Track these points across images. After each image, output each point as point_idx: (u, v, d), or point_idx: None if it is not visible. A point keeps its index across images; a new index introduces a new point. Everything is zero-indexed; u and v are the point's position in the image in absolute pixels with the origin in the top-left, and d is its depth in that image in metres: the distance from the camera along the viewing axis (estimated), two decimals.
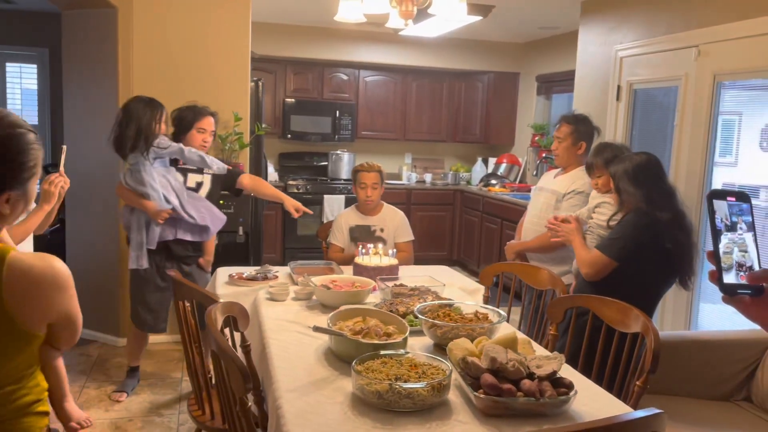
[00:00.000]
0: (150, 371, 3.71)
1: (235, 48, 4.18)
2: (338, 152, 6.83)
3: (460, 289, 2.92)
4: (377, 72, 6.96)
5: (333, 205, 6.44)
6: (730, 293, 0.88)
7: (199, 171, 3.33)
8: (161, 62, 4.04)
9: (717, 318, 3.72)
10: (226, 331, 2.05)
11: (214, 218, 3.32)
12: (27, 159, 1.35)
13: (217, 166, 3.30)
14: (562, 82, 6.22)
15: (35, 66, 6.59)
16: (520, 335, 1.91)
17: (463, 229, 6.92)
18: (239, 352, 2.10)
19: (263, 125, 4.50)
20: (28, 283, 1.30)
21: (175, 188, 3.19)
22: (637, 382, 1.88)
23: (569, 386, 1.62)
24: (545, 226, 2.96)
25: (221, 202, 4.02)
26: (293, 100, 6.68)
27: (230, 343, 2.01)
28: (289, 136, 6.71)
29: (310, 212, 3.42)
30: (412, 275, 2.89)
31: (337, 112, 6.78)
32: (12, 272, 1.28)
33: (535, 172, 6.46)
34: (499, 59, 6.98)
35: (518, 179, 6.84)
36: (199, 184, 3.33)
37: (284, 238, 6.51)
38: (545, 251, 3.17)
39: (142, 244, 3.16)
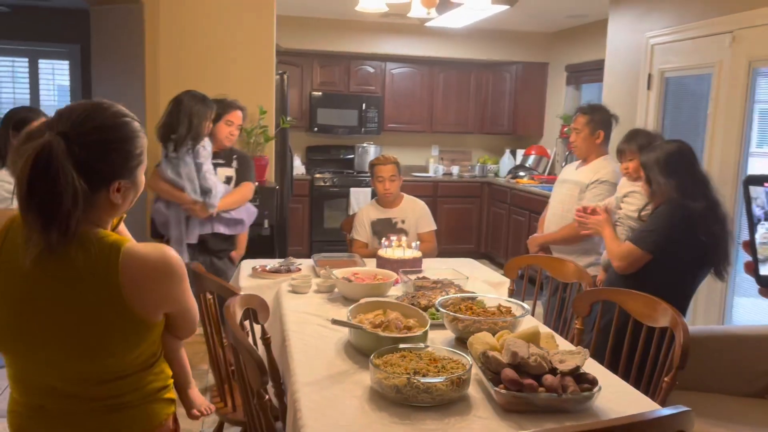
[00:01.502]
0: None
1: (260, 41, 4.19)
2: (364, 145, 6.81)
3: (484, 282, 2.87)
4: (403, 64, 6.91)
5: (359, 197, 6.43)
6: (767, 285, 0.83)
7: (228, 164, 3.35)
8: (187, 56, 4.07)
9: (753, 313, 3.61)
10: (246, 323, 2.05)
11: (248, 211, 3.35)
12: (134, 147, 1.36)
13: (217, 200, 3.20)
14: (592, 71, 6.08)
15: (67, 62, 6.71)
16: (543, 329, 1.87)
17: (490, 222, 6.85)
18: (259, 345, 2.10)
19: (288, 118, 4.50)
20: (143, 273, 1.32)
21: (213, 181, 3.21)
22: (665, 379, 1.82)
23: (593, 382, 1.57)
24: (574, 218, 2.89)
25: None
26: (320, 93, 6.68)
27: (250, 335, 2.01)
28: (316, 129, 6.71)
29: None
30: (436, 268, 2.86)
31: (364, 104, 6.76)
32: (128, 262, 1.30)
33: (564, 164, 6.34)
34: (528, 49, 6.87)
35: (547, 171, 6.73)
36: (229, 178, 3.36)
37: (311, 231, 6.53)
38: (569, 243, 3.12)
39: (181, 239, 3.17)
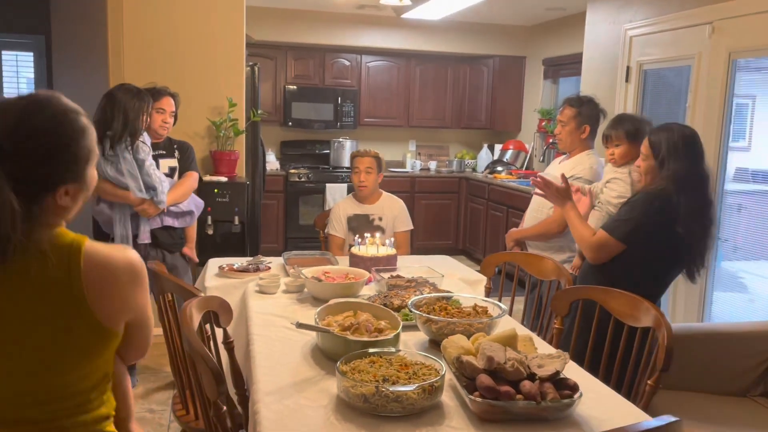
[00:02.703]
0: (143, 364, 3.60)
1: (229, 31, 4.04)
2: (340, 140, 6.68)
3: (460, 280, 2.78)
4: (380, 57, 6.79)
5: (335, 193, 6.30)
6: None
7: (170, 155, 3.21)
8: (152, 47, 3.91)
9: (733, 307, 3.57)
10: (208, 327, 1.92)
11: (196, 202, 3.23)
12: (80, 147, 1.22)
13: (165, 195, 3.06)
14: (570, 65, 6.03)
15: (32, 54, 6.46)
16: (521, 330, 1.77)
17: (468, 218, 6.77)
18: (222, 350, 1.98)
19: (259, 111, 4.36)
20: (107, 275, 1.21)
21: (158, 176, 3.08)
22: (649, 381, 1.74)
23: (574, 388, 1.48)
24: (531, 181, 2.76)
25: (216, 190, 3.91)
26: (294, 86, 6.53)
27: (211, 340, 1.88)
28: (290, 123, 6.56)
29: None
30: (411, 266, 2.75)
31: (339, 98, 6.63)
32: (91, 264, 1.19)
33: (542, 159, 6.29)
34: (505, 42, 6.79)
35: (525, 166, 6.67)
36: (173, 169, 3.23)
37: (286, 228, 6.39)
38: (544, 239, 3.04)
39: (127, 237, 3.03)
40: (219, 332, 1.96)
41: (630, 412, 1.54)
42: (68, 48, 4.06)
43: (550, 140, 6.19)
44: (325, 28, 6.32)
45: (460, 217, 6.87)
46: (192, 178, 3.26)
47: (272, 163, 6.43)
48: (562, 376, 1.51)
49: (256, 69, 4.45)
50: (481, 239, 6.43)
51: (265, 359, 1.78)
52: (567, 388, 1.48)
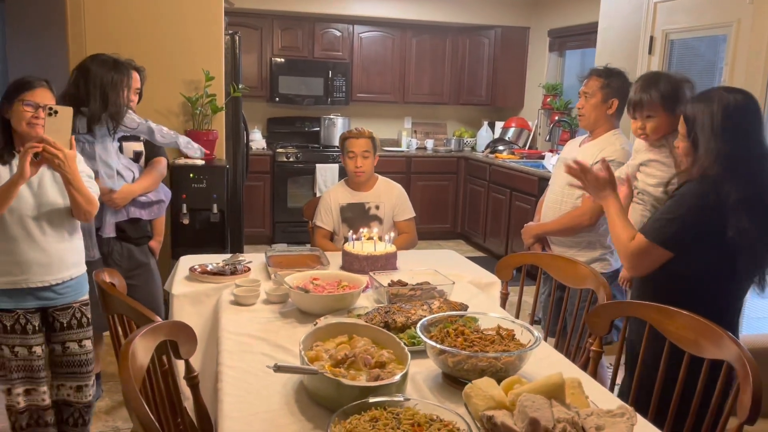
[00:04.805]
0: (111, 371, 3.21)
1: None
2: (331, 117, 6.23)
3: (470, 284, 2.39)
4: (373, 27, 6.32)
5: (326, 174, 5.89)
6: None
7: (136, 138, 2.79)
8: (116, 13, 3.45)
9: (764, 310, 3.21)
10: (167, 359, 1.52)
11: (165, 191, 2.85)
12: None
13: (193, 150, 2.86)
14: (578, 36, 5.60)
15: None
16: (567, 370, 1.39)
17: (467, 200, 6.37)
18: (184, 387, 1.59)
19: (241, 86, 3.91)
20: None
21: (127, 163, 2.70)
22: None
23: None
24: (565, 171, 2.20)
25: (191, 175, 3.49)
26: (281, 59, 6.06)
27: (168, 378, 1.49)
28: (278, 99, 6.11)
29: None
30: (413, 268, 2.36)
31: (330, 72, 6.17)
32: None
33: (547, 138, 5.89)
34: (507, 12, 6.33)
35: (528, 145, 6.27)
36: (138, 154, 2.81)
37: (273, 212, 5.98)
38: (569, 234, 2.63)
39: (91, 231, 2.62)
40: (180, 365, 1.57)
41: None
42: (24, 16, 3.59)
43: (556, 117, 5.78)
44: None
45: (458, 200, 6.47)
46: (162, 164, 2.85)
47: (258, 141, 5.99)
48: None
49: (237, 38, 4.00)
50: (482, 223, 6.05)
51: (236, 407, 1.39)
52: None
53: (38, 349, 2.16)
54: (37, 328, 2.16)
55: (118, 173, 2.65)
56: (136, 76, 2.73)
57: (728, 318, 1.80)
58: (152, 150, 2.85)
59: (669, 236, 1.81)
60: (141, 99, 2.81)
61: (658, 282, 1.86)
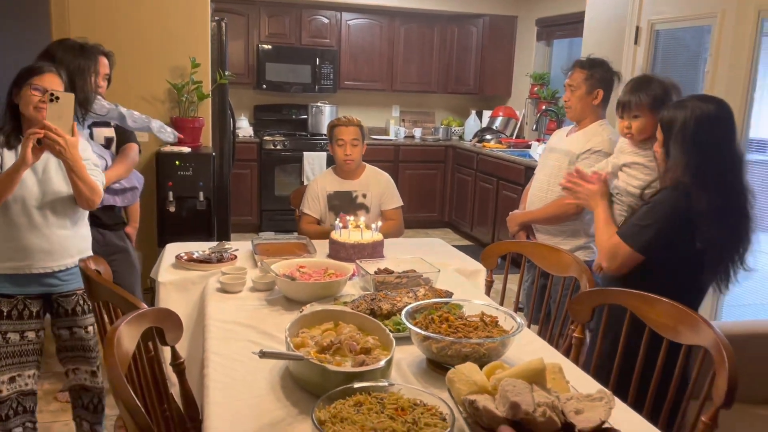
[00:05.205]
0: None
1: None
2: (319, 104, 6.22)
3: (456, 272, 2.41)
4: (361, 15, 6.29)
5: (314, 162, 5.88)
6: None
7: (107, 124, 2.76)
8: None
9: (746, 294, 3.27)
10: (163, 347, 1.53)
11: (137, 177, 2.83)
12: None
13: (166, 134, 2.78)
14: (566, 26, 5.61)
15: None
16: (548, 355, 1.42)
17: (455, 189, 6.40)
18: (170, 373, 1.60)
19: (227, 73, 3.89)
20: None
21: (99, 150, 2.67)
22: (703, 419, 1.39)
23: None
24: (561, 184, 2.36)
25: (177, 162, 3.48)
26: (268, 46, 6.02)
27: (154, 365, 1.50)
28: (265, 86, 6.07)
29: None
30: (400, 256, 2.37)
31: (318, 59, 6.14)
32: None
33: (534, 127, 5.91)
34: (495, 1, 6.32)
35: (515, 134, 6.29)
36: (109, 140, 2.78)
37: (261, 200, 5.96)
38: (554, 222, 2.66)
39: None
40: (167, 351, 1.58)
41: None
42: (7, 3, 3.54)
43: (543, 107, 5.81)
44: None
45: (446, 189, 6.49)
46: (134, 151, 2.81)
47: (245, 129, 5.96)
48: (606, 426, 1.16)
49: (223, 25, 3.97)
50: (469, 212, 6.07)
51: (221, 392, 1.40)
52: None
53: (32, 335, 2.16)
54: (35, 314, 2.16)
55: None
56: (104, 61, 2.66)
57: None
58: (123, 135, 2.81)
59: (643, 243, 1.89)
60: (110, 84, 2.75)
61: (628, 276, 1.92)
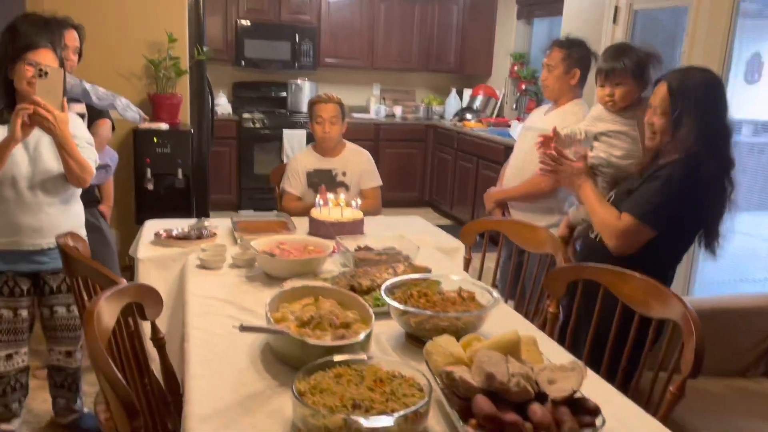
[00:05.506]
0: None
1: None
2: (298, 82, 6.17)
3: (436, 249, 2.44)
4: None
5: (293, 140, 5.85)
6: None
7: (77, 100, 2.72)
8: None
9: (719, 272, 3.36)
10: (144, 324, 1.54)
11: (110, 154, 2.80)
12: None
13: (132, 113, 2.73)
14: (547, 4, 5.61)
15: None
16: (523, 328, 1.45)
17: (435, 168, 6.42)
18: (150, 349, 1.61)
19: (205, 48, 3.84)
20: None
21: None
22: (671, 389, 1.44)
23: (594, 412, 1.17)
24: (537, 170, 2.37)
25: (155, 140, 3.45)
26: (247, 22, 5.94)
27: (134, 340, 1.50)
28: (243, 63, 6.00)
29: None
30: (380, 234, 2.39)
31: (297, 36, 6.08)
32: None
33: (514, 106, 5.94)
34: None
35: (495, 113, 6.31)
36: (81, 117, 2.74)
37: (240, 178, 5.93)
38: (530, 200, 2.70)
39: None
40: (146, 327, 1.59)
41: None
42: None
43: (523, 86, 5.83)
44: None
45: (426, 168, 6.51)
46: (106, 127, 2.78)
47: (223, 106, 5.90)
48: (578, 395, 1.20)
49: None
50: (449, 191, 6.11)
51: (202, 366, 1.41)
52: (586, 412, 1.17)
53: (24, 312, 2.17)
54: (25, 291, 2.16)
55: None
56: (73, 34, 2.59)
57: (670, 274, 1.96)
58: (94, 111, 2.75)
59: (663, 218, 1.85)
60: (81, 59, 2.69)
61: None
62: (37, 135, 2.02)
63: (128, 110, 2.80)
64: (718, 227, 1.89)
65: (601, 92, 2.19)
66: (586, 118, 2.29)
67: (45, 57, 2.03)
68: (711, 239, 1.90)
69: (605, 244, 1.94)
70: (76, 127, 2.13)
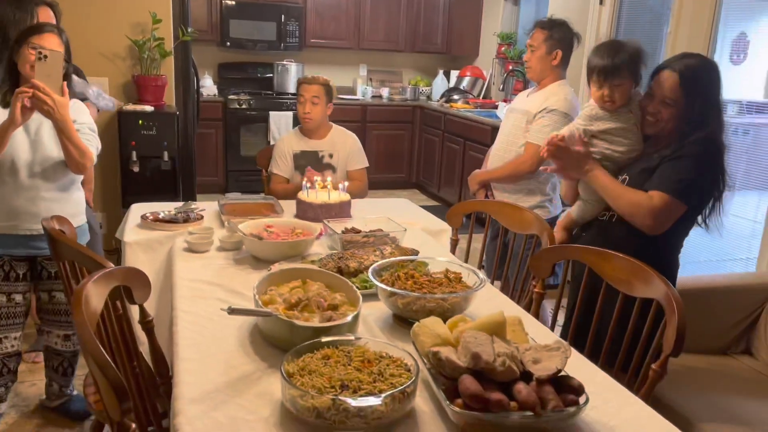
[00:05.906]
0: None
1: None
2: (284, 63, 6.12)
3: (423, 231, 2.45)
4: None
5: (279, 122, 5.82)
6: None
7: None
8: None
9: (703, 251, 3.40)
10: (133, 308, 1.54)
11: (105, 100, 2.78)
12: None
13: (104, 101, 2.71)
14: None
15: None
16: (508, 309, 1.47)
17: (422, 150, 6.42)
18: (139, 332, 1.61)
19: (190, 29, 3.79)
20: None
21: None
22: (653, 366, 1.47)
23: (578, 390, 1.19)
24: (541, 153, 2.13)
25: (140, 122, 3.41)
26: (232, 1, 5.86)
27: (123, 323, 1.51)
28: (229, 44, 5.94)
29: None
30: (367, 216, 2.40)
31: (283, 16, 6.01)
32: None
33: (501, 87, 5.93)
34: None
35: (482, 94, 6.31)
36: None
37: (226, 160, 5.90)
38: (513, 181, 2.71)
39: None
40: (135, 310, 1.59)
41: (639, 413, 1.27)
42: None
43: (510, 67, 5.82)
44: None
45: (413, 149, 6.51)
46: (90, 111, 2.75)
47: (209, 88, 5.84)
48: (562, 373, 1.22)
49: None
50: (436, 173, 6.12)
51: (190, 348, 1.42)
52: (570, 391, 1.19)
53: (18, 297, 2.16)
54: (21, 276, 2.15)
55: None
56: (48, 12, 2.47)
57: (675, 255, 2.01)
58: (77, 96, 2.72)
59: (694, 194, 1.89)
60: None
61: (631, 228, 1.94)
62: (38, 120, 2.01)
63: (101, 98, 2.76)
64: (722, 203, 1.95)
65: (598, 93, 2.08)
66: (579, 117, 2.22)
67: (50, 41, 2.01)
68: (715, 215, 1.96)
69: (622, 224, 1.94)
70: (79, 112, 2.12)
